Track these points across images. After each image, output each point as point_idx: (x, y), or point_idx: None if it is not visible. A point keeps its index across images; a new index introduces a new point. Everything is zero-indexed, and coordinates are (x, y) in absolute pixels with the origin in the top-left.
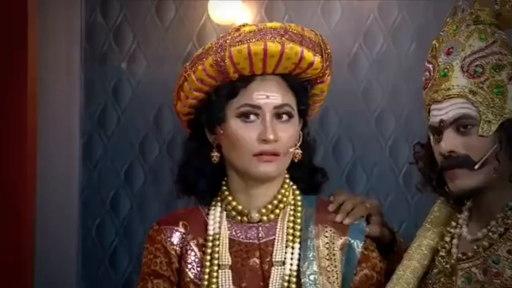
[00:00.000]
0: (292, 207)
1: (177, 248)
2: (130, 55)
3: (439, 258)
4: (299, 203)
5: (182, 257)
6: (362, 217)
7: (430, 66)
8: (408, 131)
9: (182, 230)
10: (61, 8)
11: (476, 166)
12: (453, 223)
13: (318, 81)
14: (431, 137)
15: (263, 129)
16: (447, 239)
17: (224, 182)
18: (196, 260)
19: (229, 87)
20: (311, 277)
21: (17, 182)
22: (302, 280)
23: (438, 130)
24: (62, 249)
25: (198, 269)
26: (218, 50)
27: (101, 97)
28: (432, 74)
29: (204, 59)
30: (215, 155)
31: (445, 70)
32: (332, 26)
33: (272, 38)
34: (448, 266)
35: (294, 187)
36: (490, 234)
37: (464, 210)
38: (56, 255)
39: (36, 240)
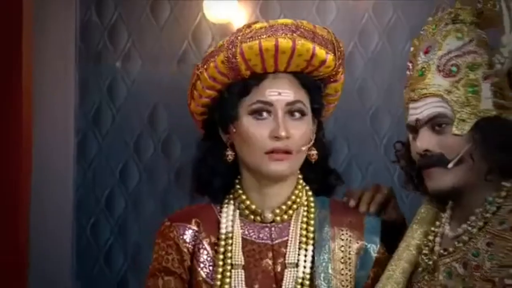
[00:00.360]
0: (305, 208)
1: (190, 246)
2: (125, 54)
3: (422, 256)
4: (312, 204)
5: (194, 255)
6: (378, 214)
7: (410, 65)
8: (403, 130)
9: (195, 227)
10: (56, 7)
11: (450, 165)
12: (437, 223)
13: (332, 79)
14: (410, 136)
15: (275, 126)
16: (431, 237)
17: (237, 181)
18: (209, 259)
19: (241, 84)
20: (325, 280)
21: (12, 180)
22: (316, 282)
23: (414, 129)
24: (57, 248)
25: (210, 268)
26: (229, 47)
27: (96, 96)
28: (411, 72)
29: (216, 56)
30: (229, 154)
31: (423, 69)
32: (327, 25)
33: (284, 34)
34: (430, 263)
35: (307, 188)
36: (470, 228)
37: (447, 209)
38: (51, 254)
39: (31, 239)
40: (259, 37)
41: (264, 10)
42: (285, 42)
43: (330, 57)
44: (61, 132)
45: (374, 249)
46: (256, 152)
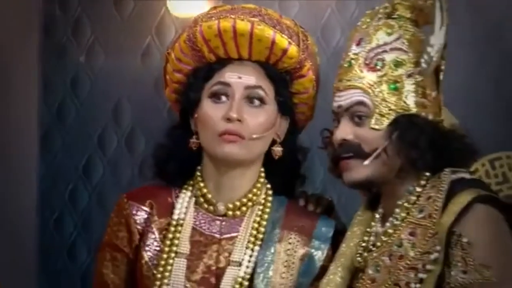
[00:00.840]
0: (261, 207)
1: (139, 228)
2: (89, 49)
3: (357, 256)
4: (269, 204)
5: (142, 237)
6: (331, 223)
7: (344, 54)
8: None
9: (148, 209)
10: (19, 1)
11: (366, 162)
12: (372, 223)
13: (297, 74)
14: (334, 124)
15: (229, 107)
16: (366, 238)
17: (199, 168)
18: (155, 243)
19: (206, 69)
20: (264, 281)
21: None
22: (255, 282)
23: (337, 116)
24: (20, 241)
25: (154, 252)
26: (191, 26)
27: (59, 90)
28: (342, 62)
29: (180, 36)
30: (193, 141)
31: (351, 61)
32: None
33: (243, 16)
34: (361, 260)
35: (268, 186)
36: (394, 220)
37: (379, 208)
38: (15, 247)
39: None
40: (218, 18)
41: (227, 4)
42: (243, 24)
43: (293, 47)
44: (25, 126)
45: (320, 257)
46: (210, 134)
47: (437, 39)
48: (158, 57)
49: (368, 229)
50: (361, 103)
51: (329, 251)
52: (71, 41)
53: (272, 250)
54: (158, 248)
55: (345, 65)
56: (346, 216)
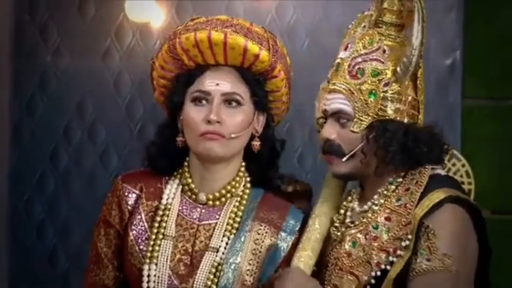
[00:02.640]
0: (238, 199)
1: (130, 208)
2: (55, 50)
3: (333, 228)
4: (246, 196)
5: (131, 217)
6: (299, 217)
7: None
8: (301, 119)
9: (138, 192)
10: None
11: (343, 159)
12: (349, 198)
13: (270, 75)
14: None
15: (209, 111)
16: (342, 211)
17: (187, 159)
18: (140, 223)
19: (187, 75)
20: (232, 266)
21: None
22: (223, 267)
23: (325, 116)
24: None
25: (140, 232)
26: (171, 37)
27: (29, 87)
28: (334, 62)
29: (162, 47)
30: (180, 140)
31: (338, 65)
32: None
33: (216, 28)
34: (339, 233)
35: (248, 179)
36: (373, 206)
37: (357, 186)
38: None
39: None
40: (195, 30)
41: (178, 10)
42: (216, 35)
43: (264, 52)
44: None
45: (285, 248)
46: (193, 134)
47: (413, 48)
48: (117, 57)
49: (345, 203)
50: (342, 110)
51: (293, 242)
52: (39, 42)
53: (243, 239)
54: (143, 228)
55: (334, 68)
56: None
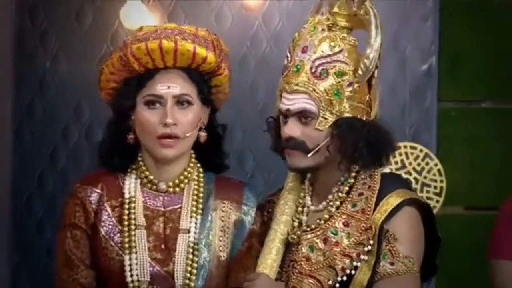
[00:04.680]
0: (196, 182)
1: (94, 207)
2: (54, 55)
3: (291, 229)
4: (202, 180)
5: (97, 215)
6: (255, 190)
7: (289, 55)
8: None
9: (100, 191)
10: None
11: (309, 155)
12: (301, 194)
13: (216, 73)
14: (281, 118)
15: (164, 114)
16: (300, 209)
17: (140, 155)
18: (109, 219)
19: (137, 78)
20: (206, 245)
21: None
22: (199, 246)
23: (285, 115)
24: None
25: (110, 226)
26: (122, 48)
27: (29, 90)
28: (288, 64)
29: (113, 55)
30: (131, 137)
31: (298, 67)
32: (224, 31)
33: (166, 37)
34: (295, 237)
35: (199, 165)
36: (329, 207)
37: (306, 181)
38: None
39: None
40: (146, 40)
41: (171, 17)
42: (167, 44)
43: (210, 54)
44: (0, 121)
45: (250, 221)
46: (149, 136)
47: (372, 50)
48: None
49: (300, 201)
50: (306, 109)
51: (256, 214)
52: (39, 49)
53: (210, 218)
54: (112, 223)
55: (293, 69)
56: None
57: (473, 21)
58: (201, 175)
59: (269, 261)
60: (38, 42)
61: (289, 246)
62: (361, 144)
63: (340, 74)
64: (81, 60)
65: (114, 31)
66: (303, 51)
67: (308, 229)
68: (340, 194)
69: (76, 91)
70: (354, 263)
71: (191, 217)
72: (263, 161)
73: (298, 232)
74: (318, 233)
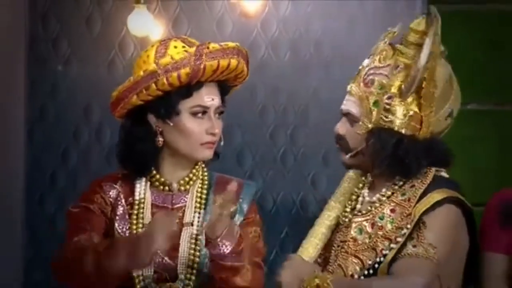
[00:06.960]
0: (201, 181)
1: (112, 201)
2: (65, 60)
3: (343, 213)
4: (206, 178)
5: (113, 209)
6: (253, 185)
7: None
8: (284, 121)
9: (118, 187)
10: (8, 22)
11: (346, 156)
12: (360, 185)
13: (241, 79)
14: None
15: (211, 124)
16: (354, 197)
17: (161, 156)
18: (123, 214)
19: (185, 89)
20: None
21: None
22: (200, 237)
23: (341, 113)
24: (9, 216)
25: (123, 222)
26: (196, 63)
27: (42, 93)
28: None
29: (180, 69)
30: (160, 140)
31: (359, 71)
32: (225, 37)
33: (233, 56)
34: (346, 219)
35: (203, 165)
36: (381, 197)
37: (369, 176)
38: (5, 221)
39: None
40: (218, 58)
41: (175, 25)
42: (234, 62)
43: (245, 68)
44: (14, 123)
45: (244, 210)
46: (193, 142)
47: (421, 61)
48: (121, 67)
49: (356, 190)
50: (351, 112)
51: (252, 205)
52: (50, 53)
53: (210, 211)
54: (124, 219)
55: (357, 72)
56: (272, 197)
57: (453, 31)
58: (206, 173)
59: (306, 245)
60: (50, 47)
61: (340, 228)
62: (383, 155)
63: (380, 86)
64: (91, 64)
65: (122, 38)
66: (368, 57)
67: (359, 213)
68: (393, 186)
69: (86, 94)
70: (391, 245)
71: (194, 212)
72: (261, 161)
73: (350, 216)
74: (368, 217)
